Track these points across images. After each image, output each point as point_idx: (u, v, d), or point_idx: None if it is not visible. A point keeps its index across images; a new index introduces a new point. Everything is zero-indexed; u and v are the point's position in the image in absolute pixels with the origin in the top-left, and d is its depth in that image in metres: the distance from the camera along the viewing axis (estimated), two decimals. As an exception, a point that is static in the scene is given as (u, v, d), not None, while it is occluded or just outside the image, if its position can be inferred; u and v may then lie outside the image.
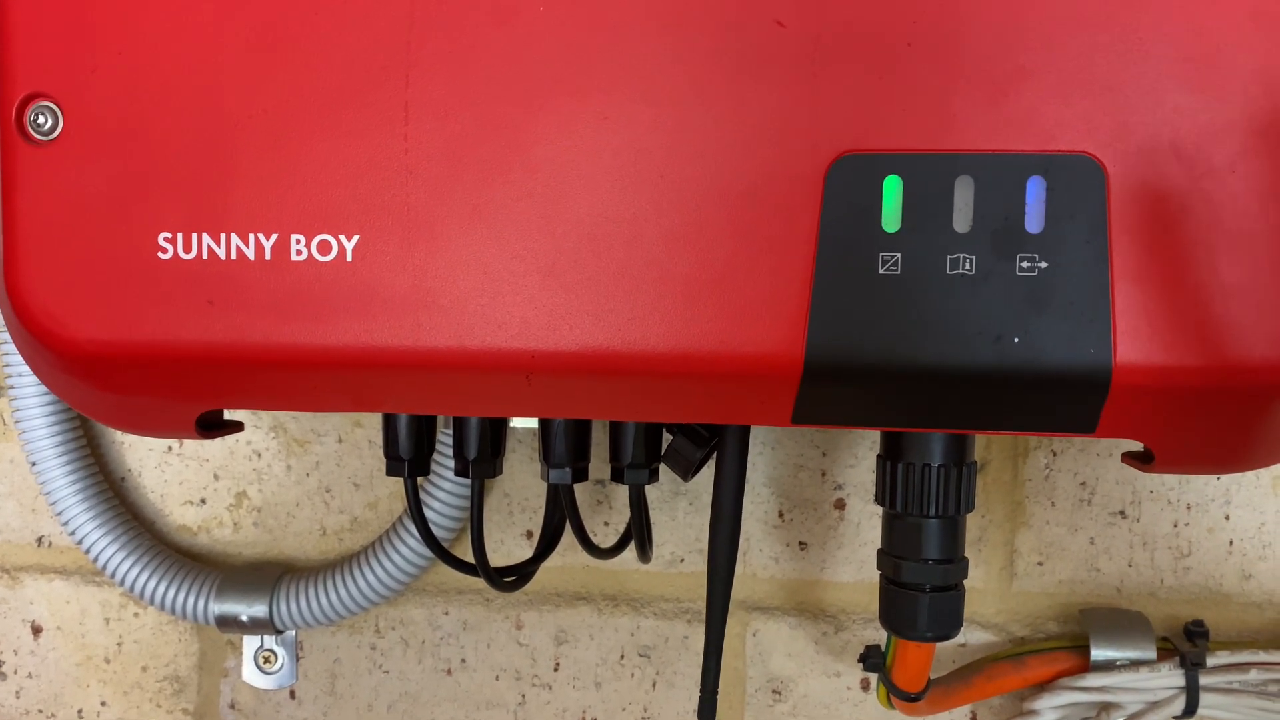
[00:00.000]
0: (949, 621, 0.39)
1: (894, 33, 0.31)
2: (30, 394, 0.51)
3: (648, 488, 0.51)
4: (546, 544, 0.46)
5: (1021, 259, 0.31)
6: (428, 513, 0.49)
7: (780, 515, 0.52)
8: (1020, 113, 0.31)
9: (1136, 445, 0.35)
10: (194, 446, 0.55)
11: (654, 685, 0.54)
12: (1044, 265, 0.31)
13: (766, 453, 0.52)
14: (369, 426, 0.54)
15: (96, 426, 0.55)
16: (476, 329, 0.33)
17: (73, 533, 0.52)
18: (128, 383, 0.36)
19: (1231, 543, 0.50)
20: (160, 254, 0.34)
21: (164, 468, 0.55)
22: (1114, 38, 0.30)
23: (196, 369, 0.34)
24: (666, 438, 0.42)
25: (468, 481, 0.48)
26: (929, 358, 0.31)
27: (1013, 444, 0.50)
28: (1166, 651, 0.48)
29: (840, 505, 0.52)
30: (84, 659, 0.57)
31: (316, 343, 0.33)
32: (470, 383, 0.34)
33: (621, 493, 0.52)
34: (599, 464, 0.43)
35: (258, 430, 0.54)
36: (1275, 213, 0.30)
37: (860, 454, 0.51)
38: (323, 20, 0.33)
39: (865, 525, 0.52)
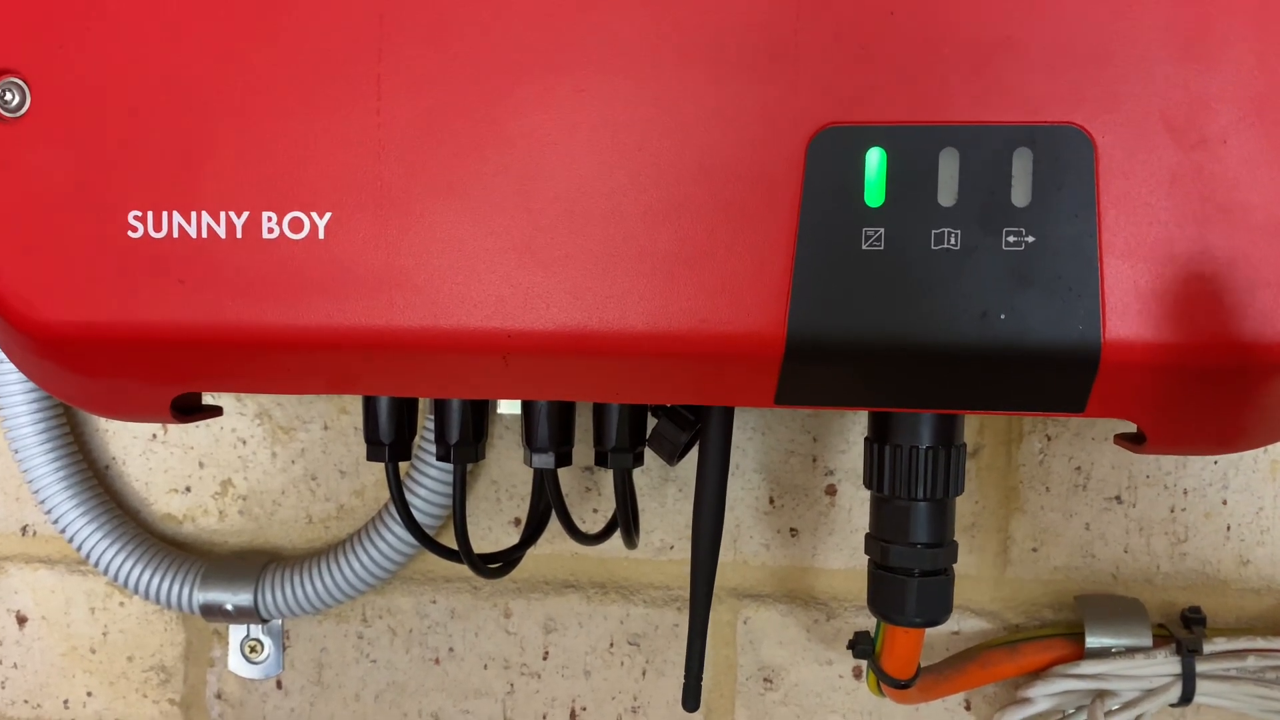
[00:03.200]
0: (938, 606, 0.38)
1: (876, 1, 0.30)
2: (12, 381, 0.50)
3: (637, 475, 0.50)
4: (532, 530, 0.45)
5: (1008, 233, 0.30)
6: (412, 499, 0.49)
7: (771, 501, 0.51)
8: (1006, 83, 0.30)
9: (1129, 426, 0.34)
10: (178, 434, 0.54)
11: (644, 673, 0.53)
12: (1031, 239, 0.30)
13: (757, 438, 0.51)
14: (354, 413, 0.53)
15: (80, 414, 0.54)
16: (451, 308, 0.32)
17: (56, 521, 0.52)
18: (100, 365, 0.35)
19: (1229, 528, 0.49)
20: (130, 233, 0.33)
21: (148, 455, 0.55)
22: (1102, 5, 0.30)
23: (168, 350, 0.34)
24: (653, 421, 0.42)
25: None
26: (913, 335, 0.31)
27: (1006, 428, 0.50)
28: (1162, 638, 0.47)
29: (831, 491, 0.51)
30: (69, 649, 0.56)
31: (289, 322, 0.33)
32: (446, 364, 0.33)
33: (610, 479, 0.52)
34: (588, 450, 0.42)
35: (242, 417, 0.54)
36: (1268, 185, 0.29)
37: (852, 439, 0.51)
38: (294, -7, 0.32)
39: (857, 511, 0.51)
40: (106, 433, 0.55)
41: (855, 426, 0.50)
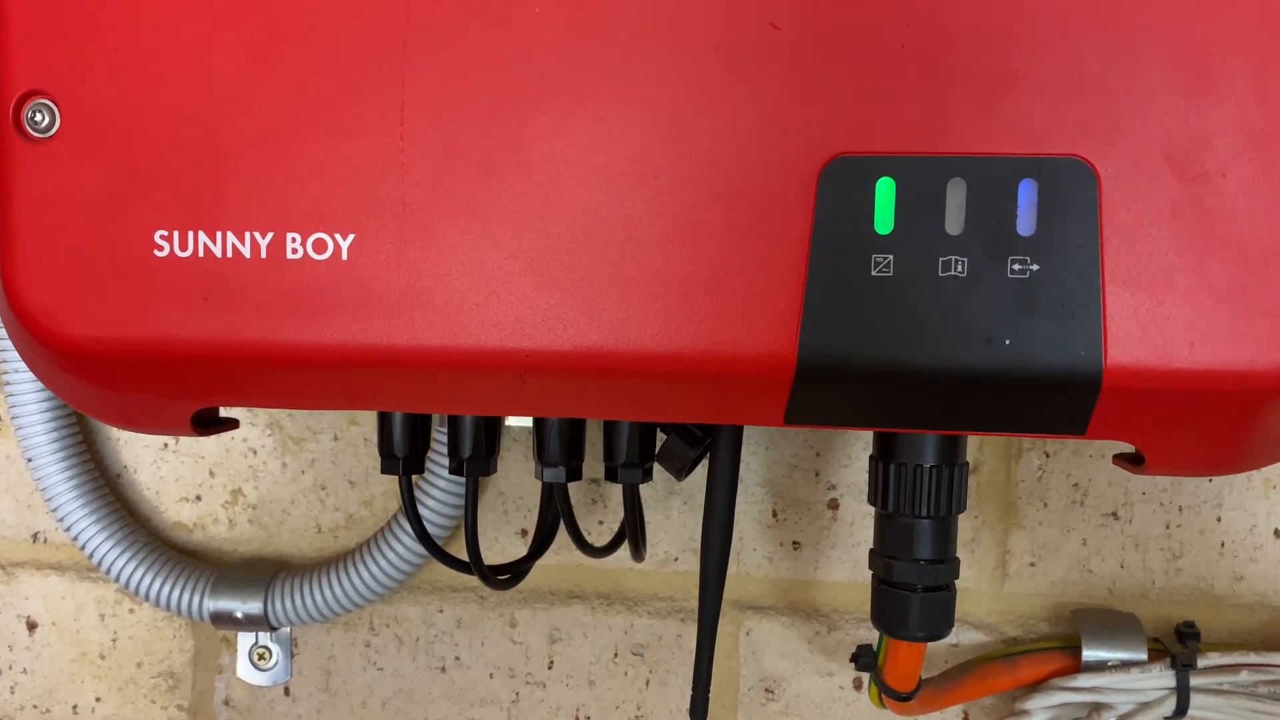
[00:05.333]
0: (940, 621, 0.39)
1: (887, 36, 0.31)
2: (26, 390, 0.51)
3: (643, 487, 0.51)
4: (540, 542, 0.46)
5: (1013, 261, 0.31)
6: (423, 511, 0.50)
7: (774, 515, 0.52)
8: (1012, 116, 0.31)
9: (1127, 447, 0.35)
10: (190, 443, 0.55)
11: (647, 684, 0.54)
12: (1035, 268, 0.31)
13: (760, 453, 0.52)
14: (365, 424, 0.54)
15: (93, 422, 0.55)
16: (471, 328, 0.33)
17: (68, 529, 0.53)
18: (123, 380, 0.36)
19: (1223, 544, 0.50)
20: (156, 252, 0.34)
21: (160, 464, 0.55)
22: (1106, 41, 0.31)
23: (191, 366, 0.34)
24: (661, 437, 0.42)
25: (463, 480, 0.48)
26: (921, 359, 0.31)
27: (1006, 445, 0.51)
28: (1158, 652, 0.48)
29: (834, 505, 0.52)
30: (79, 655, 0.57)
31: (311, 341, 0.33)
32: (464, 382, 0.34)
33: (616, 492, 0.52)
34: (594, 463, 0.43)
35: (253, 427, 0.54)
36: (1265, 218, 0.30)
37: (854, 454, 0.51)
38: (320, 19, 0.33)
39: (859, 525, 0.52)
40: (118, 441, 0.55)
41: (858, 442, 0.51)
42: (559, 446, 0.41)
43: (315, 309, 0.33)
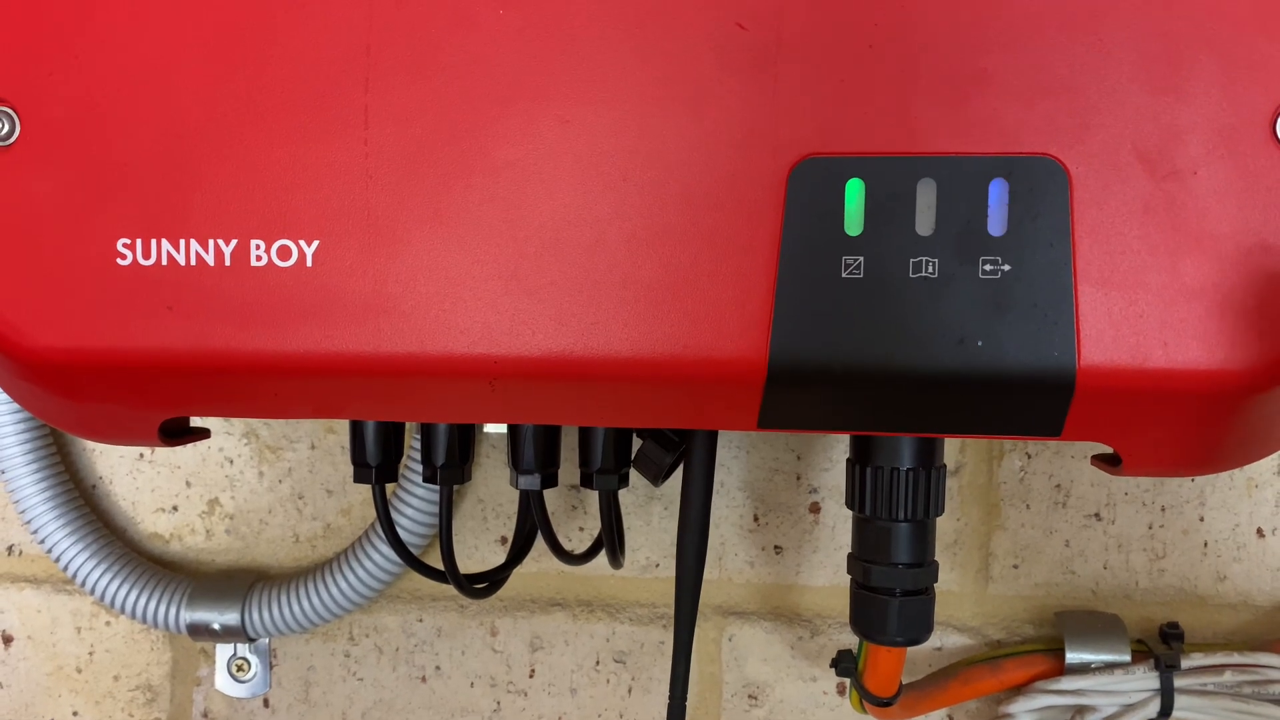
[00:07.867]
0: (919, 625, 0.38)
1: (855, 35, 0.31)
2: (-2, 401, 0.50)
3: (623, 493, 0.51)
4: (518, 550, 0.46)
5: (984, 262, 0.31)
6: (400, 520, 0.49)
7: (755, 519, 0.52)
8: (982, 115, 0.31)
9: (1105, 448, 0.35)
10: (166, 454, 0.54)
11: (630, 691, 0.53)
12: (1007, 268, 0.31)
13: (741, 456, 0.51)
14: (342, 433, 0.53)
15: (67, 434, 0.54)
16: (438, 335, 0.32)
17: (43, 541, 0.52)
18: (88, 390, 0.35)
19: (1206, 544, 0.50)
20: (119, 260, 0.33)
21: (135, 475, 0.55)
22: (1075, 39, 0.30)
23: (156, 376, 0.34)
24: (637, 442, 0.42)
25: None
26: (892, 362, 0.31)
27: (987, 447, 0.50)
28: (1141, 654, 0.48)
29: (815, 509, 0.51)
30: (55, 668, 0.56)
31: (276, 349, 0.33)
32: (432, 389, 0.33)
33: (597, 498, 0.52)
34: (573, 469, 0.43)
35: (230, 437, 0.54)
36: (1236, 215, 0.30)
37: (835, 457, 0.51)
38: (282, 24, 0.33)
39: (840, 529, 0.51)
40: (93, 452, 0.55)
41: (838, 445, 0.51)
42: (533, 453, 0.41)
43: (280, 317, 0.33)
